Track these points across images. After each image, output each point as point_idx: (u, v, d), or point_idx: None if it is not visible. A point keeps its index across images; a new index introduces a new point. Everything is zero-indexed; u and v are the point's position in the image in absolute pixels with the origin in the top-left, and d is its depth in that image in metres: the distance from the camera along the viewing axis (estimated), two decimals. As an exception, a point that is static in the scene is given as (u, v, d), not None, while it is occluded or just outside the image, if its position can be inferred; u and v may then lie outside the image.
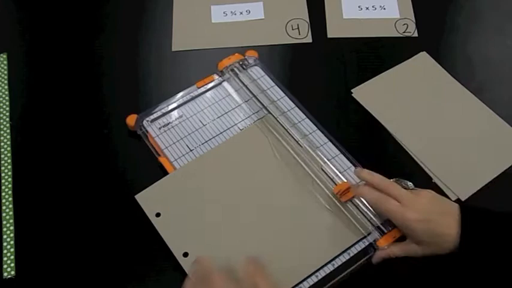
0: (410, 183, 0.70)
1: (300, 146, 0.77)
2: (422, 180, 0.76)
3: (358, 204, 0.72)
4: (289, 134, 0.78)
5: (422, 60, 0.89)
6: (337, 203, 0.73)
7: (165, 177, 0.75)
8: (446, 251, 0.64)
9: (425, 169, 0.78)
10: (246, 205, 0.73)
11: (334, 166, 0.75)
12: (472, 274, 0.67)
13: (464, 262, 0.65)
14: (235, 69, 0.85)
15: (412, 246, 0.67)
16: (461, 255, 0.64)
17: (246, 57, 0.87)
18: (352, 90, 0.85)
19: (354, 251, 0.70)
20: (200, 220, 0.72)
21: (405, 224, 0.66)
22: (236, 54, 0.86)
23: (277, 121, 0.79)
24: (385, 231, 0.70)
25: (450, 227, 0.64)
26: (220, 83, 0.84)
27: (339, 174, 0.74)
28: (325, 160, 0.76)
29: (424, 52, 0.90)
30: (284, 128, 0.79)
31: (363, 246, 0.70)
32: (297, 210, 0.73)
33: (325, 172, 0.75)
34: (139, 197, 0.73)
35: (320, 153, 0.76)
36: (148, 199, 0.73)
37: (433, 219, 0.65)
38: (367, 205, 0.71)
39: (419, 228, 0.65)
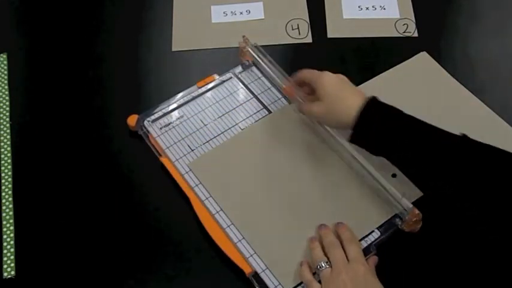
0: None
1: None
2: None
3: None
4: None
5: (422, 60, 0.89)
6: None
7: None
8: (345, 125, 0.69)
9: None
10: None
11: None
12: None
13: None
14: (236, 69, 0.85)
15: (318, 106, 0.72)
16: (355, 133, 0.69)
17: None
18: (352, 90, 0.85)
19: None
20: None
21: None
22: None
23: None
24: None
25: (358, 96, 0.69)
26: (221, 83, 0.84)
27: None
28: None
29: (424, 52, 0.90)
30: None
31: (365, 245, 0.70)
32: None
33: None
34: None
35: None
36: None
37: (344, 87, 0.72)
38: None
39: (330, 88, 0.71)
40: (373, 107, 0.69)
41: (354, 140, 0.70)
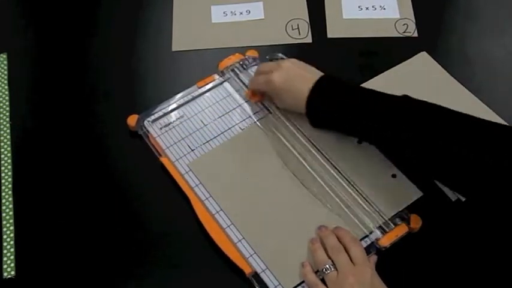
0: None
1: (302, 144, 0.77)
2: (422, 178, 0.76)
3: (360, 204, 0.72)
4: (291, 133, 0.79)
5: (422, 60, 0.89)
6: (339, 202, 0.73)
7: None
8: (300, 109, 0.73)
9: (426, 169, 0.78)
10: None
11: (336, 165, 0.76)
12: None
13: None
14: (236, 69, 0.85)
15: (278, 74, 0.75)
16: (308, 115, 0.73)
17: (246, 57, 0.87)
18: (352, 90, 0.85)
19: None
20: None
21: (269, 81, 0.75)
22: (237, 54, 0.87)
23: (279, 121, 0.80)
24: (387, 230, 0.70)
25: (305, 83, 0.73)
26: (221, 83, 0.85)
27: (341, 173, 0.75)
28: (327, 159, 0.76)
29: (424, 52, 0.90)
30: (285, 127, 0.79)
31: (364, 245, 0.70)
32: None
33: (327, 171, 0.75)
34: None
35: (322, 152, 0.77)
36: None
37: (294, 74, 0.75)
38: (370, 203, 0.72)
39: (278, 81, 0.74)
40: (324, 83, 0.72)
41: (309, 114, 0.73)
